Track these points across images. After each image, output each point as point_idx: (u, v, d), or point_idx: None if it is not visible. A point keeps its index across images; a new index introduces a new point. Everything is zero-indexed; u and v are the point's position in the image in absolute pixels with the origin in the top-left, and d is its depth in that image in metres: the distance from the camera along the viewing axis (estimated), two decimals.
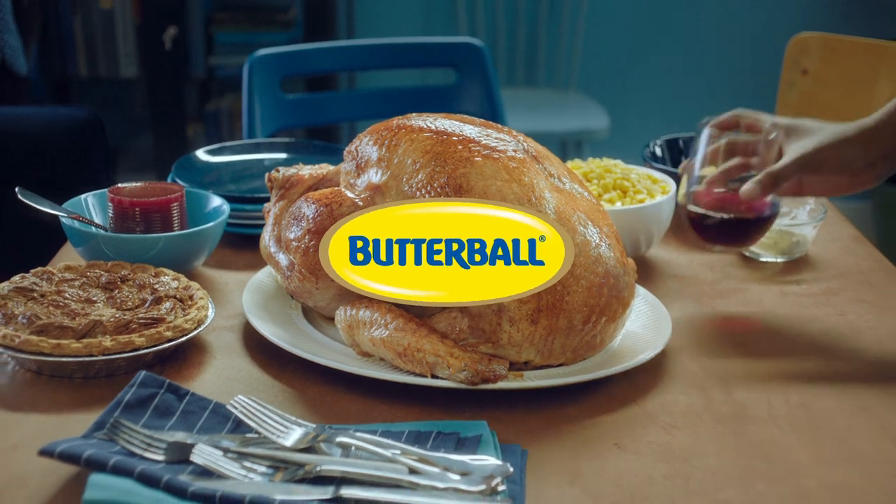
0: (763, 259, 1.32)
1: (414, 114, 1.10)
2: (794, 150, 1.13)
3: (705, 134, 1.17)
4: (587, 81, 3.31)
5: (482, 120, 1.11)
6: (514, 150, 1.06)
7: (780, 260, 1.32)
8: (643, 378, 1.04)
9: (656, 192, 1.29)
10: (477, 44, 2.09)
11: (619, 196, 1.28)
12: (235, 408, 0.92)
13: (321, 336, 1.09)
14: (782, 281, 1.27)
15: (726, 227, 1.16)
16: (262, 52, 2.00)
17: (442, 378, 0.99)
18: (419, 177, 1.03)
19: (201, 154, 1.48)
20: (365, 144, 1.10)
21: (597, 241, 1.04)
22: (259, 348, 1.09)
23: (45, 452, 0.86)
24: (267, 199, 1.29)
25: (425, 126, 1.07)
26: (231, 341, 1.11)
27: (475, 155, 1.04)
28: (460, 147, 1.04)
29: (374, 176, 1.07)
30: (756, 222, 1.16)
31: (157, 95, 3.12)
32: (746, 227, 1.17)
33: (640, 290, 1.17)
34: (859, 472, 0.90)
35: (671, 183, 1.31)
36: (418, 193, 1.03)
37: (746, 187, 1.13)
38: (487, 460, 0.87)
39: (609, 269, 1.03)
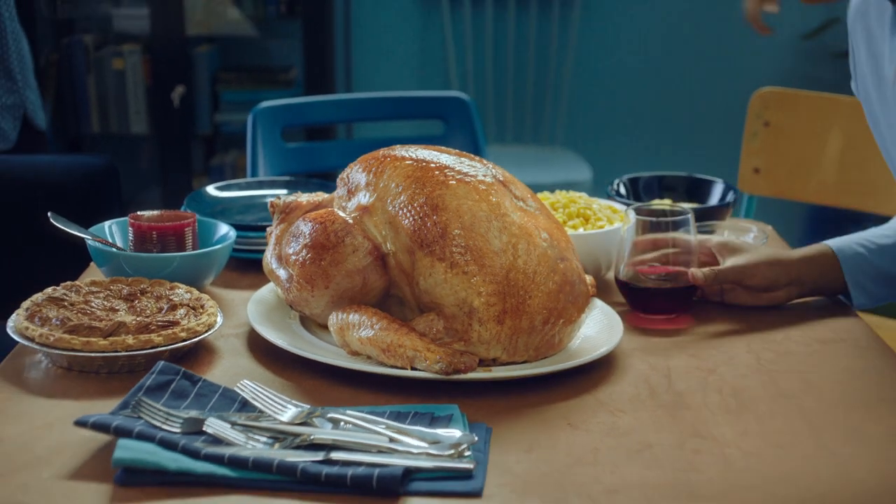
0: None
1: (398, 145, 1.27)
2: (732, 261, 1.38)
3: (632, 223, 1.33)
4: (572, 137, 3.49)
5: (457, 150, 1.27)
6: (484, 175, 1.22)
7: None
8: (596, 372, 1.20)
9: (616, 219, 1.45)
10: (464, 97, 2.27)
11: (582, 223, 1.44)
12: (242, 390, 1.08)
13: (316, 339, 1.25)
14: (724, 306, 1.43)
15: (658, 296, 1.34)
16: (265, 104, 2.18)
17: (420, 369, 1.14)
18: (401, 198, 1.19)
19: (211, 189, 1.65)
20: (355, 172, 1.26)
21: (555, 253, 1.19)
22: (261, 350, 1.24)
23: (80, 423, 1.01)
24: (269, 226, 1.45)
25: (407, 155, 1.24)
26: (237, 345, 1.27)
27: (450, 179, 1.20)
28: (437, 172, 1.20)
29: (362, 198, 1.23)
30: (687, 289, 1.33)
31: (166, 150, 3.30)
32: (676, 293, 1.33)
33: (598, 303, 1.32)
34: (773, 443, 1.05)
35: (631, 213, 1.47)
36: (400, 212, 1.19)
37: (695, 272, 1.34)
38: (456, 432, 1.02)
39: (566, 278, 1.19)
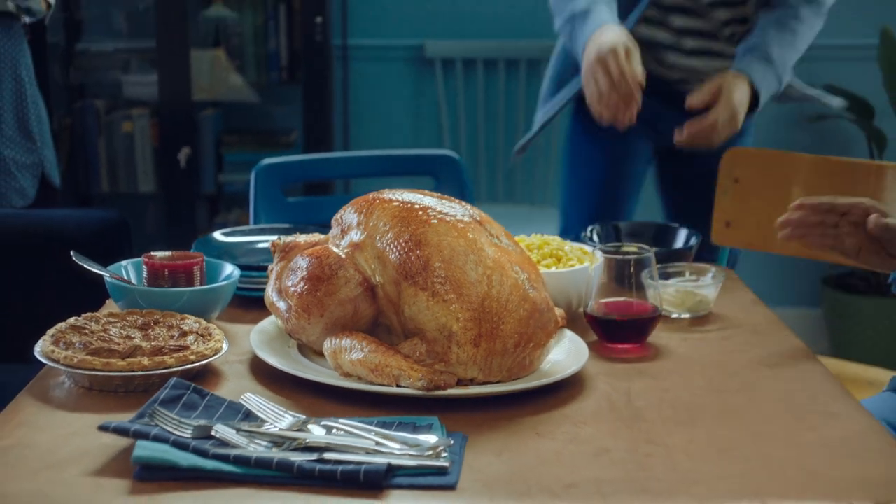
0: (673, 316, 1.62)
1: (386, 189, 1.42)
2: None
3: (600, 262, 1.48)
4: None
5: (439, 194, 1.42)
6: (463, 215, 1.37)
7: (686, 316, 1.62)
8: (563, 391, 1.33)
9: (585, 260, 1.60)
10: (453, 155, 2.43)
11: (554, 262, 1.58)
12: (246, 402, 1.21)
13: (312, 363, 1.38)
14: (686, 330, 1.57)
15: (622, 327, 1.48)
16: (267, 161, 2.33)
17: (404, 387, 1.28)
18: (388, 235, 1.34)
19: (217, 235, 1.79)
20: (347, 213, 1.41)
21: (526, 284, 1.34)
22: (263, 373, 1.38)
23: (103, 427, 1.14)
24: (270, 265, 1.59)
25: (394, 198, 1.38)
26: (240, 369, 1.40)
27: (432, 218, 1.34)
28: (420, 212, 1.35)
29: (354, 236, 1.38)
30: (647, 321, 1.47)
31: (172, 209, 3.45)
32: (639, 325, 1.47)
33: (567, 332, 1.46)
34: (717, 448, 1.18)
35: (598, 253, 1.61)
36: (388, 248, 1.33)
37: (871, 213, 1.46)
38: (435, 437, 1.15)
39: (535, 306, 1.33)
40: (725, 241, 2.47)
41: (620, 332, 1.49)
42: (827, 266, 3.59)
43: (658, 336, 1.53)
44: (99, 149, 3.48)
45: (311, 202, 2.44)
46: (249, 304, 1.65)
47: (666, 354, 1.48)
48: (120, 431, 1.14)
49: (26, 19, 2.74)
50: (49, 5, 2.90)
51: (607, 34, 2.02)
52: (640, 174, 2.54)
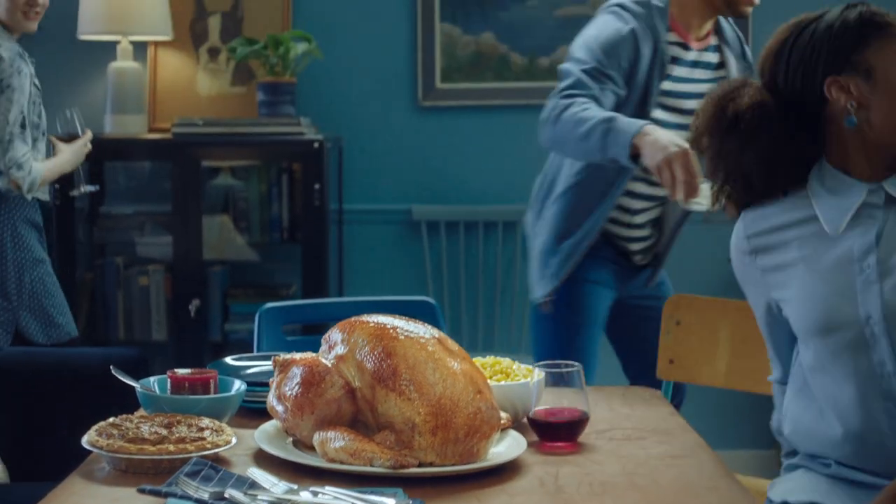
0: None
1: (365, 314, 1.78)
2: None
3: (540, 378, 1.84)
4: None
5: (408, 318, 1.78)
6: (424, 333, 1.73)
7: None
8: (503, 473, 1.66)
9: (529, 376, 1.95)
10: (431, 301, 2.79)
11: (503, 377, 1.94)
12: (251, 475, 1.55)
13: (304, 454, 1.72)
14: (610, 433, 1.91)
15: (556, 428, 1.82)
16: (270, 305, 2.70)
17: (376, 466, 1.61)
18: (366, 349, 1.70)
19: (228, 360, 2.15)
20: (334, 332, 1.77)
21: (474, 388, 1.69)
22: (265, 462, 1.71)
23: (141, 490, 1.48)
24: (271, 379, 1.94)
25: (371, 320, 1.75)
26: (246, 460, 1.74)
27: (400, 335, 1.70)
28: (391, 331, 1.71)
29: (339, 350, 1.73)
30: (576, 423, 1.82)
31: (181, 355, 3.80)
32: (570, 427, 1.82)
33: (512, 432, 1.80)
34: None
35: (537, 370, 1.95)
36: (365, 359, 1.69)
37: None
38: (398, 499, 1.49)
39: (481, 405, 1.68)
40: (669, 375, 2.81)
41: (556, 432, 1.83)
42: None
43: (588, 436, 1.87)
44: (118, 300, 3.85)
45: (308, 341, 2.79)
46: (253, 414, 1.99)
47: (592, 450, 1.81)
48: (154, 493, 1.48)
49: (29, 197, 3.17)
50: (84, 191, 3.37)
51: (661, 132, 2.44)
52: (603, 321, 2.93)
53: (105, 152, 3.79)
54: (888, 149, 1.82)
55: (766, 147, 1.87)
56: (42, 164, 3.20)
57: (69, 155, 3.30)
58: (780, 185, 1.89)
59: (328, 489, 1.51)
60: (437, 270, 4.12)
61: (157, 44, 4.06)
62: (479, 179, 4.15)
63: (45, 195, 3.30)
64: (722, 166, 1.92)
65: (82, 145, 3.35)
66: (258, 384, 2.00)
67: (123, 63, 3.88)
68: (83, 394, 2.48)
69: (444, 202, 4.12)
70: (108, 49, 3.95)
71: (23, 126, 3.12)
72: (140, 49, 4.01)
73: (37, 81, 3.22)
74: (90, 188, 3.48)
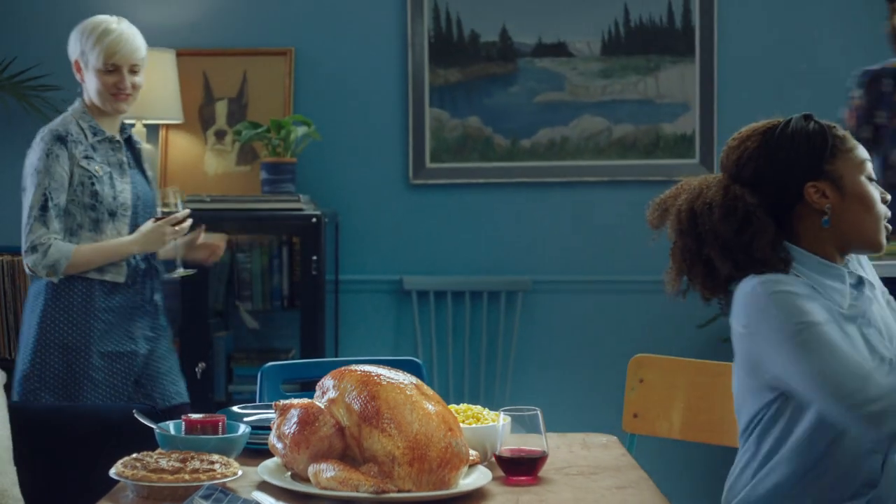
0: None
1: (353, 364, 2.08)
2: None
3: (506, 422, 2.12)
4: (515, 400, 4.29)
5: (391, 367, 2.08)
6: (404, 380, 2.02)
7: None
8: (472, 500, 1.94)
9: (496, 420, 2.24)
10: (417, 361, 3.08)
11: (474, 420, 2.22)
12: (255, 496, 1.83)
13: (300, 484, 2.00)
14: (568, 470, 2.19)
15: (518, 464, 2.09)
16: (271, 363, 2.99)
17: (362, 492, 1.89)
18: (353, 393, 1.99)
19: (235, 408, 2.44)
20: (326, 380, 2.06)
21: (446, 426, 1.97)
22: (266, 491, 1.99)
23: None
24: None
25: (358, 369, 2.04)
26: (251, 490, 2.02)
27: (383, 381, 2.00)
28: (375, 378, 2.00)
29: (330, 394, 2.02)
30: (536, 460, 2.10)
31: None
32: (530, 463, 2.10)
33: (480, 467, 2.08)
34: None
35: (503, 414, 2.23)
36: (353, 402, 1.97)
37: None
38: None
39: (453, 441, 1.96)
40: (634, 429, 3.09)
41: (518, 467, 2.11)
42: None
43: (547, 472, 2.15)
44: None
45: (305, 394, 3.07)
46: (256, 454, 2.27)
47: (549, 482, 2.10)
48: None
49: (54, 279, 3.13)
50: (177, 275, 3.31)
51: None
52: None
53: None
54: (851, 245, 2.16)
55: (737, 234, 2.12)
56: (76, 247, 3.12)
57: (136, 236, 3.19)
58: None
59: None
60: (427, 335, 4.41)
61: (168, 126, 4.40)
62: (466, 252, 4.46)
63: (119, 276, 3.22)
64: (687, 257, 2.19)
65: (153, 229, 3.19)
66: (260, 427, 2.28)
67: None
68: (106, 441, 2.75)
69: (432, 273, 4.43)
70: None
71: (43, 209, 3.10)
72: (153, 131, 4.35)
73: (121, 159, 3.23)
74: (184, 272, 3.34)
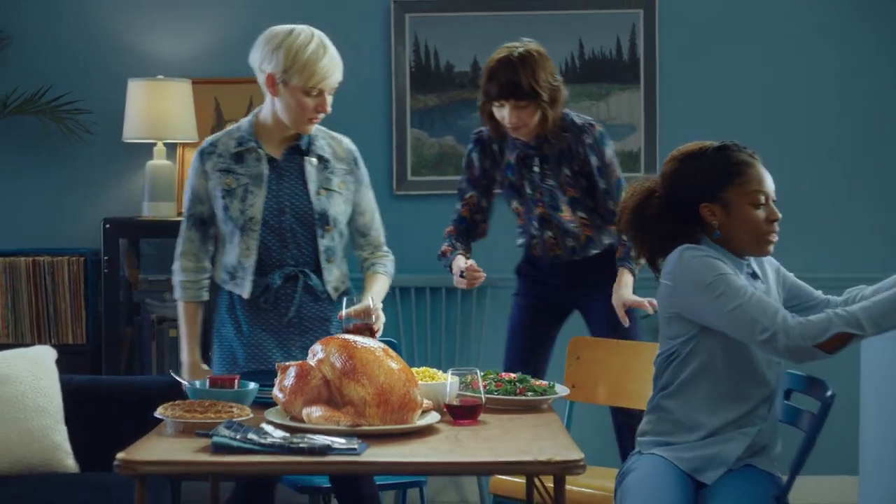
0: None
1: (338, 334, 2.74)
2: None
3: (452, 383, 2.78)
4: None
5: (366, 338, 2.74)
6: (375, 346, 2.68)
7: None
8: (424, 433, 2.60)
9: (446, 378, 2.90)
10: (394, 341, 3.74)
11: (430, 378, 2.89)
12: (264, 426, 2.50)
13: (296, 423, 2.67)
14: (498, 418, 2.85)
15: (462, 409, 2.75)
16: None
17: (342, 426, 2.56)
18: (336, 354, 2.65)
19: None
20: (316, 346, 2.72)
21: (405, 379, 2.64)
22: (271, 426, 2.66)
23: (198, 433, 2.43)
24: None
25: (339, 338, 2.71)
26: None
27: (358, 345, 2.66)
28: (353, 343, 2.67)
29: (319, 356, 2.69)
30: (475, 407, 2.76)
31: None
32: (471, 409, 2.76)
33: (433, 412, 2.75)
34: (498, 437, 2.47)
35: (450, 372, 2.88)
36: (336, 361, 2.64)
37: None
38: (353, 439, 2.44)
39: (409, 389, 2.62)
40: (572, 397, 3.76)
41: (462, 412, 2.77)
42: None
43: (485, 417, 2.81)
44: (152, 350, 4.78)
45: None
46: (263, 407, 2.93)
47: (486, 424, 2.76)
48: (205, 435, 2.43)
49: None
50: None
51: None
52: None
53: (142, 231, 4.75)
54: (740, 252, 2.81)
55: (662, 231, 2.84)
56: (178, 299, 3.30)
57: (190, 358, 3.33)
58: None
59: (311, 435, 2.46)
60: (408, 324, 5.07)
61: (184, 145, 5.02)
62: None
63: (243, 293, 3.27)
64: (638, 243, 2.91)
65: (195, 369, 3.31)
66: (266, 385, 2.95)
67: (158, 161, 4.83)
68: (143, 407, 3.42)
69: (413, 272, 5.05)
70: (146, 150, 4.86)
71: (188, 220, 3.25)
72: (171, 150, 4.98)
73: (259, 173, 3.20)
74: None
